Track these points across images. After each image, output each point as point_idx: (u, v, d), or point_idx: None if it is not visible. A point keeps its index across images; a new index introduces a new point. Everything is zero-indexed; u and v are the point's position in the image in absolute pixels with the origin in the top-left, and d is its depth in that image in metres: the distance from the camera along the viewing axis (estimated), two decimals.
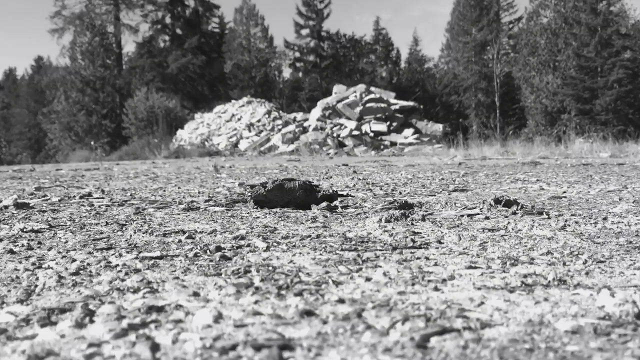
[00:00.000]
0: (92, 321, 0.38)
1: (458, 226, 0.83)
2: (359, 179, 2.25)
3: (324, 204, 1.06)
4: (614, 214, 0.94)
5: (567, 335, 0.34)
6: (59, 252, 0.65)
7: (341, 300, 0.42)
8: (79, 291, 0.47)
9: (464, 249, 0.64)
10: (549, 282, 0.47)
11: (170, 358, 0.31)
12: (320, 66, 30.10)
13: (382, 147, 9.76)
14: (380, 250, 0.64)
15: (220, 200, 1.27)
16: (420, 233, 0.77)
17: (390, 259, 0.59)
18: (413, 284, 0.47)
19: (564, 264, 0.55)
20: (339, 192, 1.37)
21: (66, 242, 0.73)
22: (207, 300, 0.43)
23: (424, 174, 2.41)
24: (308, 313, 0.39)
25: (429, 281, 0.48)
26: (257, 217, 0.96)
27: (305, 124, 13.04)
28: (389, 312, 0.39)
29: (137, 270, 0.54)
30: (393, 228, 0.81)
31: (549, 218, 0.90)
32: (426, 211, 1.00)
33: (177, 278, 0.51)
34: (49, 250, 0.67)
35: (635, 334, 0.33)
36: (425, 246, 0.66)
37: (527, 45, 24.55)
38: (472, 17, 27.44)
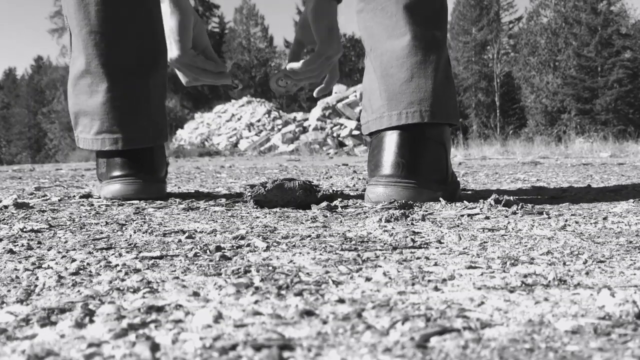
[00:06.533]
0: (92, 321, 0.38)
1: (458, 226, 0.83)
2: (359, 179, 2.25)
3: (324, 203, 1.06)
4: (614, 214, 0.94)
5: (567, 335, 0.34)
6: (59, 252, 0.65)
7: (341, 300, 0.42)
8: (78, 291, 0.47)
9: (464, 248, 0.64)
10: (549, 282, 0.47)
11: (170, 358, 0.31)
12: None
13: None
14: (380, 250, 0.64)
15: (220, 200, 1.27)
16: (420, 233, 0.76)
17: (390, 259, 0.59)
18: (413, 284, 0.47)
19: (564, 263, 0.55)
20: (339, 192, 1.37)
21: (66, 241, 0.72)
22: (207, 300, 0.43)
23: None
24: (308, 313, 0.39)
25: (429, 281, 0.48)
26: (257, 217, 0.95)
27: (305, 124, 13.02)
28: (389, 312, 0.39)
29: (137, 270, 0.54)
30: (393, 228, 0.81)
31: (549, 218, 0.90)
32: (426, 211, 1.00)
33: (177, 278, 0.51)
34: (48, 250, 0.67)
35: (635, 334, 0.33)
36: (425, 246, 0.66)
37: (527, 45, 24.54)
38: (472, 17, 27.45)
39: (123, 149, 1.26)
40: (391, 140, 1.11)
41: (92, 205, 1.18)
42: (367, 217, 0.93)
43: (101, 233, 0.80)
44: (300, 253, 0.62)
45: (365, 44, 1.22)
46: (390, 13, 1.14)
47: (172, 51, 1.32)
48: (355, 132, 11.38)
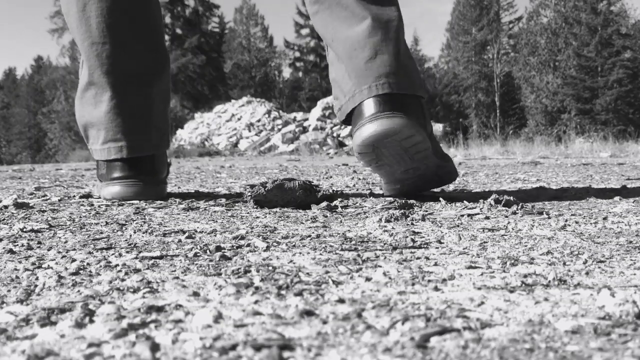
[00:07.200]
0: (92, 321, 0.38)
1: (458, 226, 0.83)
2: (359, 179, 2.25)
3: (324, 203, 1.06)
4: (614, 214, 0.94)
5: (567, 335, 0.34)
6: (59, 252, 0.65)
7: (341, 300, 0.42)
8: (78, 291, 0.47)
9: (464, 248, 0.64)
10: (549, 282, 0.47)
11: (170, 358, 0.31)
12: (320, 66, 30.10)
13: None
14: (380, 250, 0.64)
15: (221, 200, 1.27)
16: (420, 233, 0.76)
17: (390, 259, 0.59)
18: (413, 284, 0.47)
19: (564, 263, 0.55)
20: (339, 192, 1.37)
21: (66, 241, 0.72)
22: (207, 300, 0.43)
23: None
24: (308, 313, 0.39)
25: (429, 281, 0.48)
26: (257, 217, 0.95)
27: (305, 124, 13.02)
28: (389, 312, 0.39)
29: (137, 270, 0.54)
30: (393, 228, 0.81)
31: (549, 218, 0.90)
32: (426, 211, 1.00)
33: (177, 278, 0.51)
34: (48, 250, 0.67)
35: (635, 334, 0.33)
36: (425, 246, 0.66)
37: (527, 45, 24.55)
38: (472, 17, 27.46)
39: (127, 157, 1.27)
40: (369, 101, 1.12)
41: (92, 205, 1.18)
42: (367, 217, 0.94)
43: (101, 233, 0.80)
44: (300, 253, 0.62)
45: (325, 39, 1.24)
46: (345, 5, 1.16)
47: None
48: None
